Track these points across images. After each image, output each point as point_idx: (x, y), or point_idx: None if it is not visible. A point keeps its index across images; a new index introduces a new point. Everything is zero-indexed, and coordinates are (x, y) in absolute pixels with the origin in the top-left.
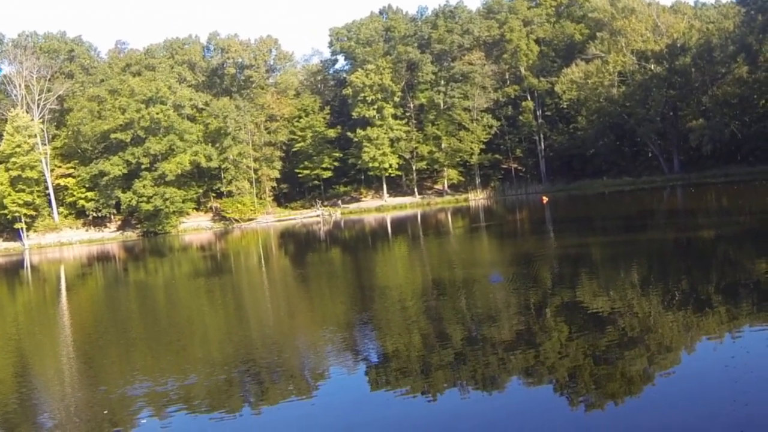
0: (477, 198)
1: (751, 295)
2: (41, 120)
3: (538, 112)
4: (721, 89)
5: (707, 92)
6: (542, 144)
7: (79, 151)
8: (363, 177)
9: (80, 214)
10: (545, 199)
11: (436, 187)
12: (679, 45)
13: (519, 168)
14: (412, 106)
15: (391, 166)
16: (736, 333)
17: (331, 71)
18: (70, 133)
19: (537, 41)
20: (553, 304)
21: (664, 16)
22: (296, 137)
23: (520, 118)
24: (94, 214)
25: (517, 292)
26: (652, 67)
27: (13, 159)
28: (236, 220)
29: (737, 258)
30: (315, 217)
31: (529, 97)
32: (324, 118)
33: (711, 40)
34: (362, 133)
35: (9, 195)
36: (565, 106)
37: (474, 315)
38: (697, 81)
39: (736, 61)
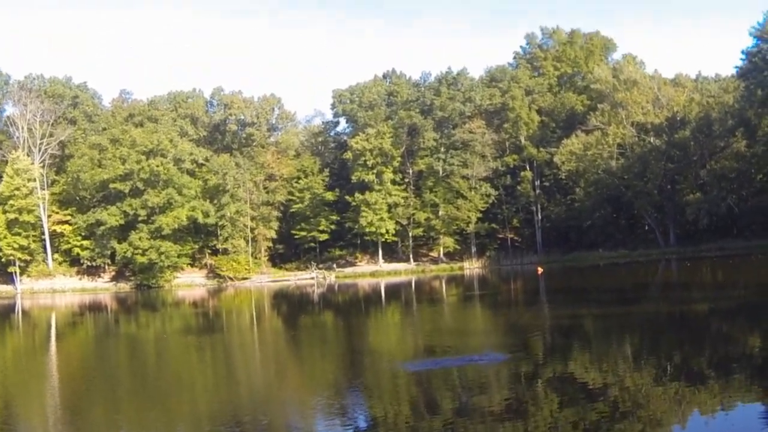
0: (472, 267)
1: (743, 370)
2: (41, 164)
3: (537, 183)
4: (719, 163)
5: (705, 166)
6: (539, 214)
7: (78, 198)
8: (359, 241)
9: (75, 261)
10: (540, 269)
11: (431, 254)
12: (678, 118)
13: (515, 238)
14: (411, 171)
15: (387, 231)
16: (728, 408)
17: (332, 133)
18: (69, 179)
19: (538, 111)
20: (544, 375)
21: (665, 88)
22: (294, 198)
23: (519, 188)
24: (89, 263)
25: (509, 363)
26: (652, 140)
27: (11, 201)
28: (230, 278)
29: (730, 332)
30: (309, 279)
31: (527, 167)
32: (323, 180)
33: (710, 114)
34: (360, 197)
35: (5, 238)
36: (563, 177)
37: (464, 384)
38: (696, 154)
39: (735, 135)
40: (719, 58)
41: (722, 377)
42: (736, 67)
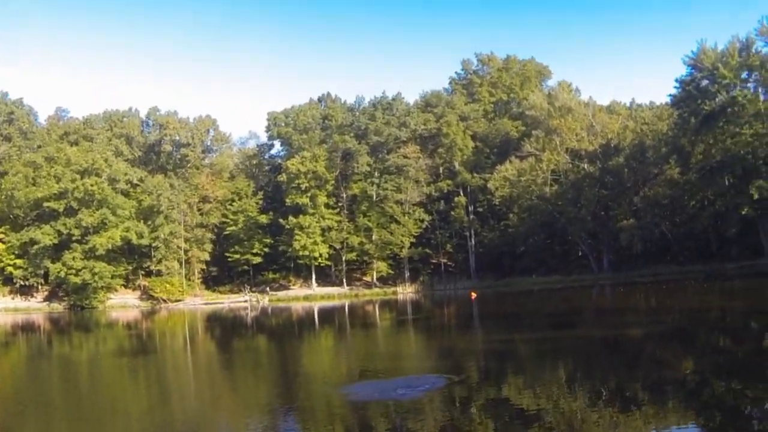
0: (405, 291)
1: (677, 394)
2: None
3: (470, 208)
4: (652, 190)
5: (639, 192)
6: (473, 240)
7: (11, 216)
8: (293, 265)
9: (7, 281)
10: (474, 294)
11: (365, 278)
12: (613, 145)
13: (448, 263)
14: (345, 196)
15: (321, 255)
16: (662, 431)
17: (266, 156)
18: (3, 197)
19: (473, 137)
20: (479, 399)
21: (600, 115)
22: (228, 220)
23: (452, 213)
24: (22, 283)
25: (442, 387)
26: (586, 167)
27: None
28: (164, 300)
29: (664, 356)
30: (243, 302)
31: (461, 193)
32: (257, 202)
33: (644, 141)
34: (294, 220)
35: None
36: (497, 203)
37: (397, 407)
38: (630, 181)
39: (668, 163)
40: (653, 86)
41: (657, 401)
42: (670, 95)
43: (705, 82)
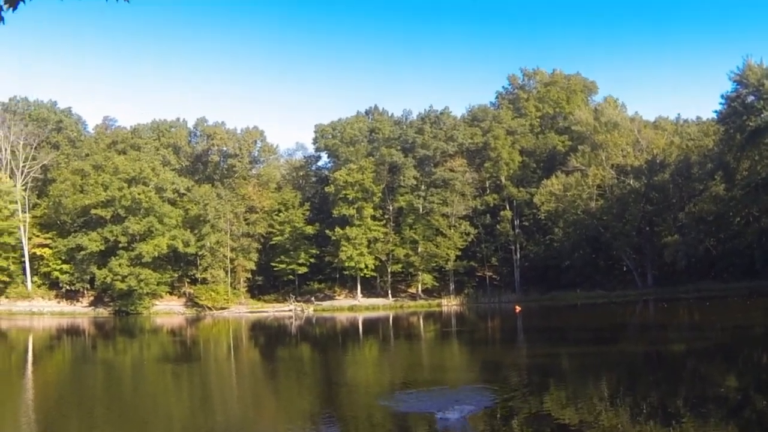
0: (450, 304)
1: (719, 410)
2: (24, 187)
3: (516, 222)
4: (697, 206)
5: (684, 208)
6: (518, 254)
7: (59, 222)
8: (338, 275)
9: (54, 285)
10: (518, 308)
11: (409, 290)
12: (658, 161)
13: (493, 276)
14: (391, 208)
15: (366, 266)
16: None
17: (313, 167)
18: (51, 203)
19: (519, 151)
20: (521, 412)
21: (646, 131)
22: (274, 230)
23: (498, 227)
24: (68, 287)
25: (485, 399)
26: (631, 182)
27: None
28: (209, 307)
29: (706, 373)
30: (288, 311)
31: (507, 207)
32: (303, 213)
33: (690, 157)
34: (341, 231)
35: None
36: (542, 217)
37: (439, 419)
38: (675, 197)
39: (714, 179)
40: (700, 102)
41: (698, 417)
42: (716, 111)
43: (751, 98)
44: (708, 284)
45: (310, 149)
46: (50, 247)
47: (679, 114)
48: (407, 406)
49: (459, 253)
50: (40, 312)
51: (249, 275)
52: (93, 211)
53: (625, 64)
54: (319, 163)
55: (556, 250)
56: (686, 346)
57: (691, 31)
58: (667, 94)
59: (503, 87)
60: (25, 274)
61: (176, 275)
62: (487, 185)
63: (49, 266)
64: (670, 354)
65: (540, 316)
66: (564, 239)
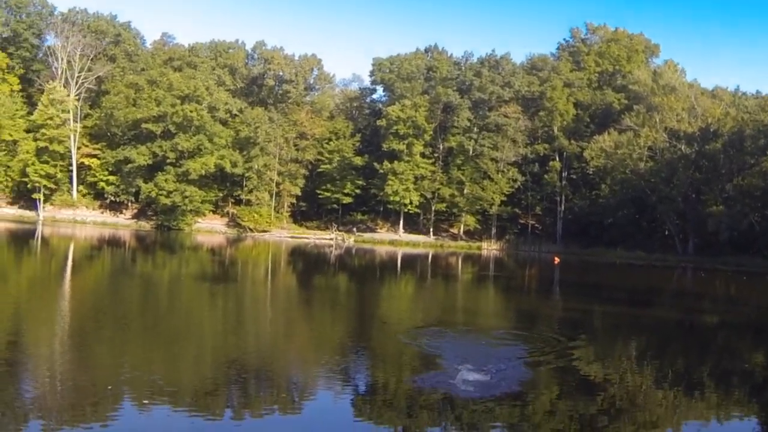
0: (490, 248)
1: (743, 385)
2: (77, 97)
3: (564, 174)
4: (746, 179)
5: (732, 180)
6: (562, 205)
7: (109, 134)
8: (382, 209)
9: (99, 195)
10: (557, 260)
11: (451, 230)
12: (712, 130)
13: (536, 225)
14: (441, 147)
15: (411, 202)
16: (723, 419)
17: (367, 100)
18: (102, 115)
19: (575, 104)
20: (547, 363)
21: (702, 99)
22: (323, 158)
23: (545, 177)
24: (112, 199)
25: (515, 347)
26: (683, 148)
27: (42, 130)
28: (251, 229)
29: (736, 347)
30: (328, 240)
31: (557, 158)
32: (353, 144)
33: (744, 130)
34: (389, 165)
35: (33, 164)
36: (590, 172)
37: (466, 361)
38: (724, 168)
39: (766, 154)
40: (761, 76)
41: (722, 389)
42: None
43: None
44: (748, 259)
45: (366, 82)
46: (98, 158)
47: (738, 86)
48: (436, 346)
49: (504, 199)
50: (83, 221)
51: (293, 201)
52: (144, 125)
53: (691, 31)
54: (374, 96)
55: (601, 207)
56: (719, 318)
57: (763, 5)
58: (729, 65)
59: (564, 39)
60: (71, 182)
61: (221, 195)
62: (539, 134)
63: (96, 176)
64: (703, 324)
65: (578, 270)
66: (610, 196)
